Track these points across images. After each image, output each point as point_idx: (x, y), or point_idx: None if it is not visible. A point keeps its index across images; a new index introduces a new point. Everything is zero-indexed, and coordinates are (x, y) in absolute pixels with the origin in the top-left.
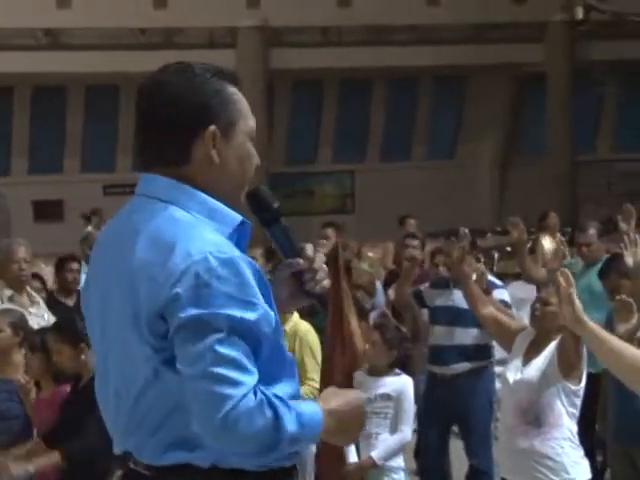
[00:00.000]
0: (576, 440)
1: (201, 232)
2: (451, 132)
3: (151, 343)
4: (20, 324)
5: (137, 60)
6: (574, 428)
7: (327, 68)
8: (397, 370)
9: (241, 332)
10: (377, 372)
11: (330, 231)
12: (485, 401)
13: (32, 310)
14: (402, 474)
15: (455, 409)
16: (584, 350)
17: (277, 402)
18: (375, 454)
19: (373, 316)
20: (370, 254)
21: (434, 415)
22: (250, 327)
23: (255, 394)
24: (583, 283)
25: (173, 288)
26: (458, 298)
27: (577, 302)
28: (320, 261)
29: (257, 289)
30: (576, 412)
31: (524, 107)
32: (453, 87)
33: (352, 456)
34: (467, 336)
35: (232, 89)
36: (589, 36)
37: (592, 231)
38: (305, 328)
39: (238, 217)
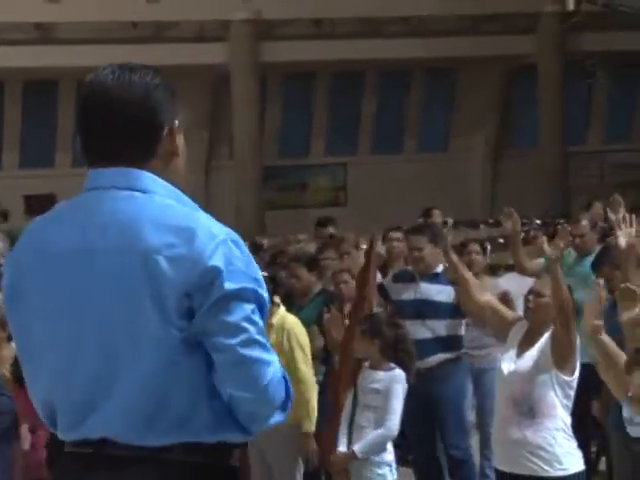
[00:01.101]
0: (569, 431)
1: (204, 215)
2: (443, 124)
3: (176, 323)
4: (5, 320)
5: (129, 54)
6: (567, 419)
7: (319, 61)
8: (392, 365)
9: (261, 305)
10: (373, 365)
11: (332, 229)
12: (460, 391)
13: None
14: (387, 469)
15: (431, 401)
16: (577, 341)
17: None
18: (357, 447)
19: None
20: (364, 246)
21: (414, 409)
22: (264, 301)
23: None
24: (576, 273)
25: (209, 262)
26: (425, 291)
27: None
28: None
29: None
30: (569, 403)
31: (516, 99)
32: (445, 79)
33: (342, 446)
34: (439, 327)
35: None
36: (580, 27)
37: (585, 222)
38: (292, 321)
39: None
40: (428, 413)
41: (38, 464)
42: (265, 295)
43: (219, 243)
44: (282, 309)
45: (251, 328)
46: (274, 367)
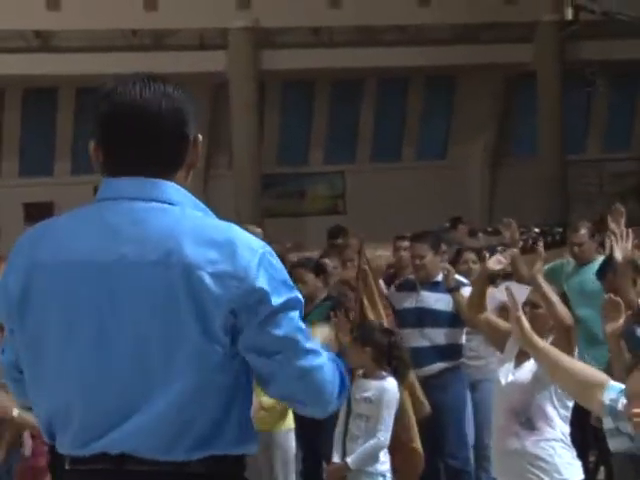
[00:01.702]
0: (568, 441)
1: (237, 227)
2: (441, 132)
3: (220, 340)
4: None
5: (128, 62)
6: (566, 430)
7: (318, 69)
8: (384, 373)
9: (301, 309)
10: (365, 374)
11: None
12: (459, 400)
13: None
14: (380, 479)
15: (430, 409)
16: (576, 352)
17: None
18: (350, 459)
19: None
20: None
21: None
22: (302, 303)
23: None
24: (575, 282)
25: (256, 282)
26: (425, 299)
27: (525, 322)
28: None
29: None
30: (568, 414)
31: (514, 107)
32: (443, 87)
33: (336, 456)
34: (438, 336)
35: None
36: (579, 36)
37: (583, 231)
38: None
39: None
40: (427, 422)
41: (39, 470)
42: (301, 298)
43: (261, 258)
44: None
45: (300, 337)
46: (327, 365)
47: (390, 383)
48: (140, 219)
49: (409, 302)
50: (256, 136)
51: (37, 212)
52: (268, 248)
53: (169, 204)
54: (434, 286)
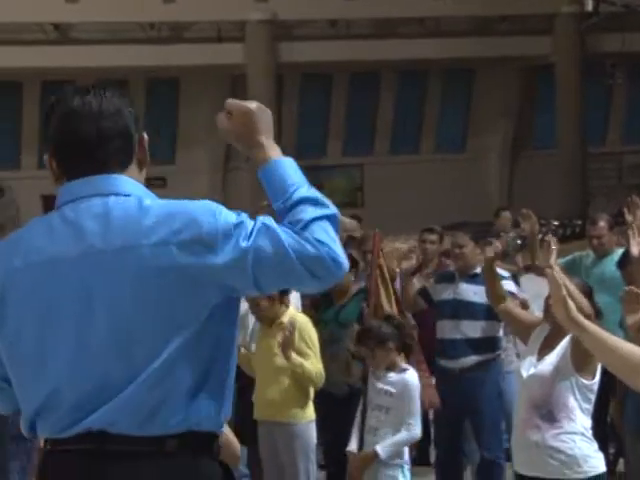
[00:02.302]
0: (589, 434)
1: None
2: (460, 125)
3: (194, 313)
4: None
5: (146, 54)
6: (587, 423)
7: (336, 61)
8: (404, 365)
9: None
10: (391, 368)
11: (355, 224)
12: (493, 393)
13: None
14: (399, 470)
15: (465, 402)
16: None
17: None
18: (380, 448)
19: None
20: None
21: (445, 409)
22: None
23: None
24: (595, 274)
25: (218, 226)
26: (463, 291)
27: (570, 303)
28: None
29: None
30: (590, 407)
31: (533, 100)
32: (462, 80)
33: (353, 444)
34: (474, 329)
35: None
36: (599, 28)
37: (602, 223)
38: (303, 320)
39: None
40: (459, 414)
41: None
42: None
43: (214, 210)
44: (291, 308)
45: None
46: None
47: (411, 375)
48: (100, 213)
49: (447, 294)
50: (274, 129)
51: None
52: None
53: (124, 195)
54: (473, 278)
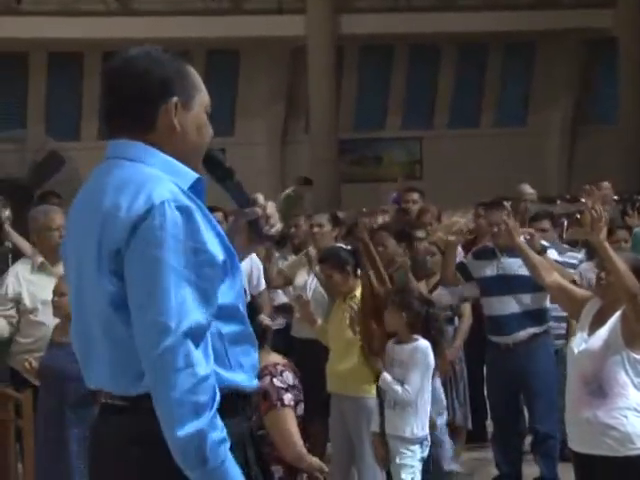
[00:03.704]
0: None
1: (164, 182)
2: (520, 99)
3: (112, 282)
4: None
5: (207, 26)
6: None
7: (396, 34)
8: (416, 336)
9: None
10: (399, 340)
11: (416, 196)
12: (548, 365)
13: None
14: (417, 446)
15: (519, 376)
16: None
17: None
18: (383, 377)
19: None
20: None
21: (500, 384)
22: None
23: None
24: None
25: (134, 225)
26: (508, 266)
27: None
28: (272, 207)
29: (208, 237)
30: None
31: (595, 74)
32: (523, 53)
33: (374, 425)
34: (524, 302)
35: (189, 67)
36: None
37: None
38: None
39: (195, 174)
40: (515, 388)
41: None
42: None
43: (151, 207)
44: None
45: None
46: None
47: (422, 343)
48: (103, 173)
49: (490, 270)
50: (333, 101)
51: None
52: (176, 203)
53: (130, 160)
54: (516, 252)
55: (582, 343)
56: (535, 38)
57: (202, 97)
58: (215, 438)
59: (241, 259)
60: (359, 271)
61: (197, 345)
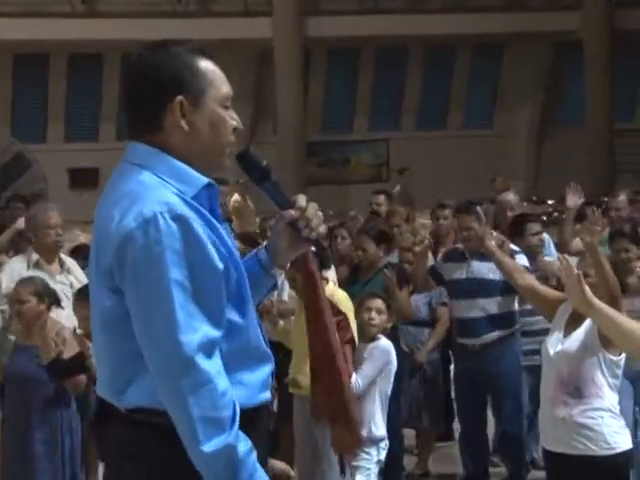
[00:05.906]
0: (616, 410)
1: (162, 194)
2: (487, 101)
3: (109, 297)
4: (43, 291)
5: (174, 28)
6: (615, 399)
7: (363, 36)
8: (379, 335)
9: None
10: (368, 339)
11: (381, 198)
12: (515, 367)
13: (59, 277)
14: (373, 449)
15: (486, 377)
16: None
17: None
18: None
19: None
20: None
21: (467, 386)
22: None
23: None
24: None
25: (123, 241)
26: (477, 269)
27: (586, 287)
28: (313, 209)
29: (209, 246)
30: (617, 382)
31: (562, 76)
32: (490, 55)
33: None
34: (492, 305)
35: (203, 61)
36: (627, 3)
37: (622, 197)
38: (342, 295)
39: (204, 179)
40: (481, 389)
41: None
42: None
43: (142, 222)
44: (331, 284)
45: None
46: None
47: (383, 342)
48: (114, 178)
49: (459, 273)
50: (301, 103)
51: (82, 178)
52: (170, 214)
53: (139, 167)
54: (484, 255)
55: (558, 344)
56: (502, 40)
57: (217, 92)
58: (243, 450)
59: (283, 264)
60: (323, 272)
61: (210, 358)
